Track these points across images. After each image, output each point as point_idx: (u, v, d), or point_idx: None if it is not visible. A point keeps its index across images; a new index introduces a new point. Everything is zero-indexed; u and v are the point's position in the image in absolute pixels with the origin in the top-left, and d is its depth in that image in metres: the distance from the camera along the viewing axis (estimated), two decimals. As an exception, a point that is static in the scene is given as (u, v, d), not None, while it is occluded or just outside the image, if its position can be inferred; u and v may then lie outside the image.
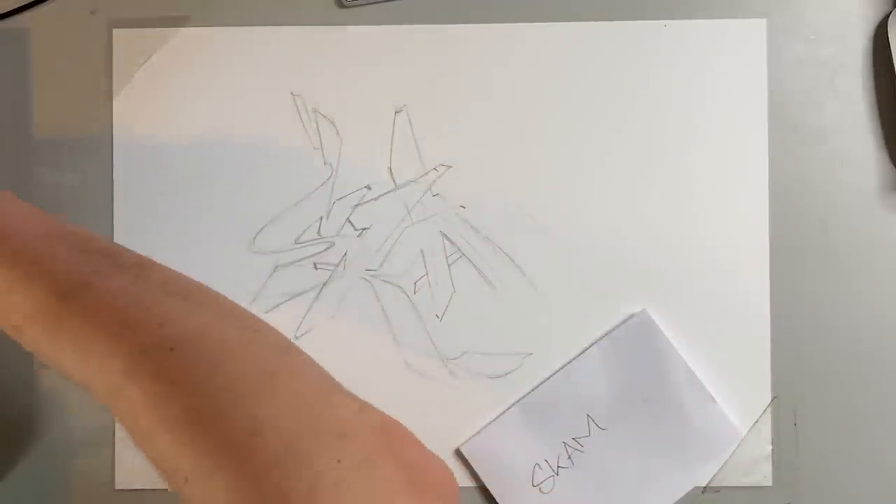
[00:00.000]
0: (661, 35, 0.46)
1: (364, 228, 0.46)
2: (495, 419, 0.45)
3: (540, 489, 0.44)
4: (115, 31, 0.46)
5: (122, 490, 0.46)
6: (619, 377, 0.45)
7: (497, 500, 0.45)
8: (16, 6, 0.46)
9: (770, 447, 0.45)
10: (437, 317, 0.46)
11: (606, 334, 0.45)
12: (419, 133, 0.46)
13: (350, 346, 0.46)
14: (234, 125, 0.46)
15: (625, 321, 0.45)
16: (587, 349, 0.45)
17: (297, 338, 0.46)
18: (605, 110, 0.46)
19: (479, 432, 0.45)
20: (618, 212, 0.46)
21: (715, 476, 0.45)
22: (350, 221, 0.46)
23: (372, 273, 0.46)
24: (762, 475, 0.45)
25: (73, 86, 0.46)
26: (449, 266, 0.46)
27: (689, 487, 0.44)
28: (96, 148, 0.46)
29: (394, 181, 0.46)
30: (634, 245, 0.45)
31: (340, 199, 0.46)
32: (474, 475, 0.45)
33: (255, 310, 0.45)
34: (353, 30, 0.46)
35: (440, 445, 0.45)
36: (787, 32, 0.46)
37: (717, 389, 0.45)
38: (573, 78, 0.46)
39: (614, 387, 0.43)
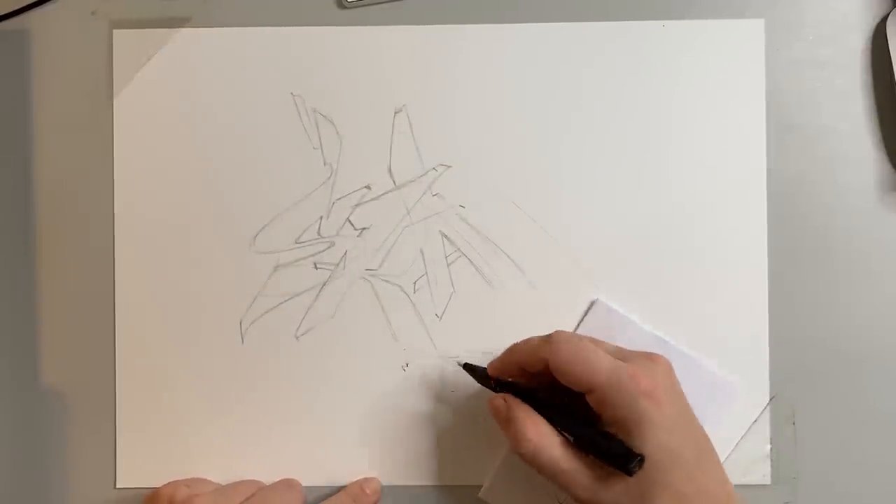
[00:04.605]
0: (660, 35, 0.46)
1: (364, 228, 0.46)
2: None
3: None
4: (115, 31, 0.46)
5: (122, 489, 0.46)
6: None
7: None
8: (16, 7, 0.46)
9: (769, 446, 0.45)
10: (437, 316, 0.46)
11: (576, 328, 0.45)
12: (419, 133, 0.46)
13: (350, 345, 0.46)
14: (234, 125, 0.46)
15: (584, 314, 0.45)
16: None
17: (297, 338, 0.46)
18: (603, 110, 0.46)
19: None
20: (617, 212, 0.46)
21: (714, 475, 0.45)
22: (350, 221, 0.46)
23: (372, 273, 0.46)
24: (761, 474, 0.45)
25: (73, 86, 0.46)
26: (448, 265, 0.46)
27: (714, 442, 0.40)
28: (96, 148, 0.46)
29: (393, 181, 0.46)
30: (633, 245, 0.46)
31: (340, 198, 0.46)
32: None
33: (255, 310, 0.46)
34: (353, 30, 0.46)
35: (439, 444, 0.45)
36: (785, 32, 0.46)
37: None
38: (572, 78, 0.46)
39: None
